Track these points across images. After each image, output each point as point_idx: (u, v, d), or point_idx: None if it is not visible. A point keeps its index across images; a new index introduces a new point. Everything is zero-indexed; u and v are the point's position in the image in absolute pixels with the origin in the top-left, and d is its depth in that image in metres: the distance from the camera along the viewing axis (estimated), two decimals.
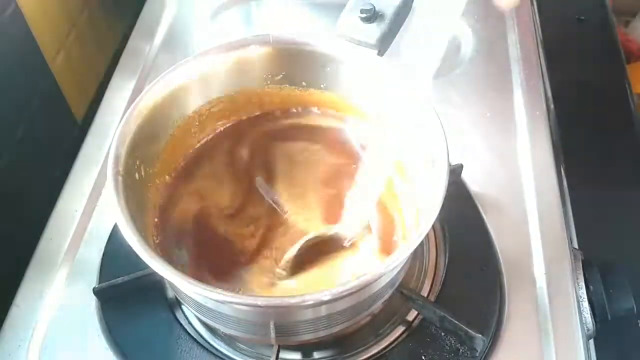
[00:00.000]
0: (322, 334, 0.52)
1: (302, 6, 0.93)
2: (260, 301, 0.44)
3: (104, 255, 0.64)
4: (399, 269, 0.51)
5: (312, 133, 0.62)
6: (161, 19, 0.91)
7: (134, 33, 0.90)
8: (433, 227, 0.48)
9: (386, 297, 0.54)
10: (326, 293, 0.41)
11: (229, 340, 0.60)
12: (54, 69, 0.82)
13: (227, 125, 0.62)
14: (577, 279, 0.62)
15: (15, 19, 0.73)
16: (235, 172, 0.60)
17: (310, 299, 0.42)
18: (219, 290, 0.42)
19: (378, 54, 0.55)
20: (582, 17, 0.98)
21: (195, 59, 0.55)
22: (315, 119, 0.63)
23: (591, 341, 0.63)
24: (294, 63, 0.58)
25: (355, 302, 0.49)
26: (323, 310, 0.47)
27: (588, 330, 0.60)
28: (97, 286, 0.61)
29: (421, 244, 0.45)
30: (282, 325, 0.51)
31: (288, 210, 0.58)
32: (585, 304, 0.61)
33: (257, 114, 0.62)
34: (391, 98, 0.55)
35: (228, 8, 0.93)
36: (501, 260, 0.63)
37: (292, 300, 0.43)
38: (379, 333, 0.59)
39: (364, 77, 0.56)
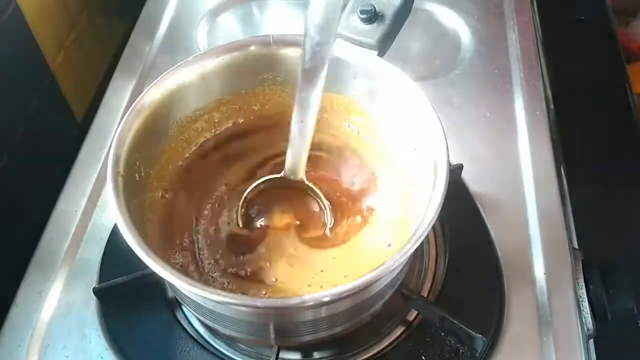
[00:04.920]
0: (322, 335, 0.52)
1: (302, 6, 0.93)
2: (259, 302, 0.44)
3: (104, 255, 0.64)
4: (399, 269, 0.51)
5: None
6: (161, 19, 0.91)
7: (134, 33, 0.90)
8: (433, 227, 0.48)
9: (386, 297, 0.54)
10: (326, 294, 0.41)
11: (229, 340, 0.60)
12: (54, 69, 0.82)
13: (227, 126, 0.62)
14: (577, 279, 0.62)
15: (15, 19, 0.73)
16: (235, 172, 0.60)
17: (310, 300, 0.42)
18: (218, 291, 0.42)
19: (378, 55, 0.55)
20: (582, 17, 0.98)
21: (195, 59, 0.55)
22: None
23: (591, 341, 0.63)
24: (294, 64, 0.58)
25: (356, 303, 0.49)
26: (323, 312, 0.47)
27: (588, 330, 0.60)
28: (97, 286, 0.61)
29: (421, 244, 0.45)
30: (281, 327, 0.51)
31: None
32: (585, 304, 0.61)
33: (257, 115, 0.62)
34: (391, 99, 0.55)
35: (228, 8, 0.93)
36: (501, 260, 0.63)
37: (292, 302, 0.43)
38: (379, 333, 0.59)
39: (364, 78, 0.56)
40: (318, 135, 0.62)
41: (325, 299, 0.42)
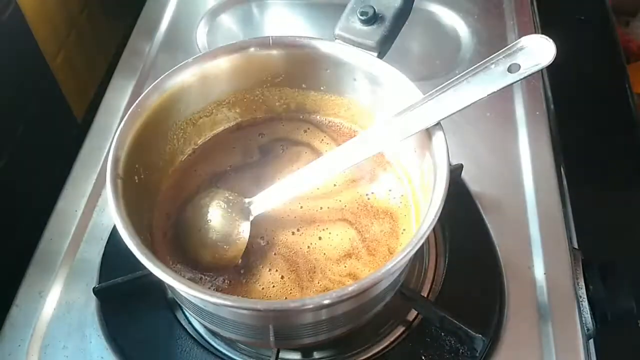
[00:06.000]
0: (322, 337, 0.52)
1: (302, 7, 0.93)
2: (259, 305, 0.44)
3: (104, 255, 0.64)
4: (399, 272, 0.51)
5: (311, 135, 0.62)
6: (161, 19, 0.91)
7: (134, 33, 0.90)
8: (433, 227, 0.48)
9: (387, 299, 0.54)
10: (326, 297, 0.41)
11: (228, 340, 0.60)
12: (54, 69, 0.82)
13: (227, 127, 0.62)
14: (577, 279, 0.62)
15: (15, 19, 0.73)
16: (236, 173, 0.60)
17: (310, 302, 0.42)
18: (217, 294, 0.42)
19: (378, 56, 0.55)
20: (582, 17, 0.98)
21: (195, 61, 0.55)
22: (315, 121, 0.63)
23: (591, 341, 0.63)
24: (293, 65, 0.58)
25: (356, 306, 0.49)
26: (323, 314, 0.47)
27: (588, 330, 0.60)
28: (97, 286, 0.61)
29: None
30: (281, 329, 0.51)
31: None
32: (585, 304, 0.61)
33: (256, 116, 0.62)
34: (391, 100, 0.55)
35: (228, 8, 0.93)
36: (501, 260, 0.63)
37: (292, 304, 0.43)
38: (379, 333, 0.59)
39: (364, 80, 0.56)
40: (320, 135, 0.62)
41: (326, 302, 0.42)
